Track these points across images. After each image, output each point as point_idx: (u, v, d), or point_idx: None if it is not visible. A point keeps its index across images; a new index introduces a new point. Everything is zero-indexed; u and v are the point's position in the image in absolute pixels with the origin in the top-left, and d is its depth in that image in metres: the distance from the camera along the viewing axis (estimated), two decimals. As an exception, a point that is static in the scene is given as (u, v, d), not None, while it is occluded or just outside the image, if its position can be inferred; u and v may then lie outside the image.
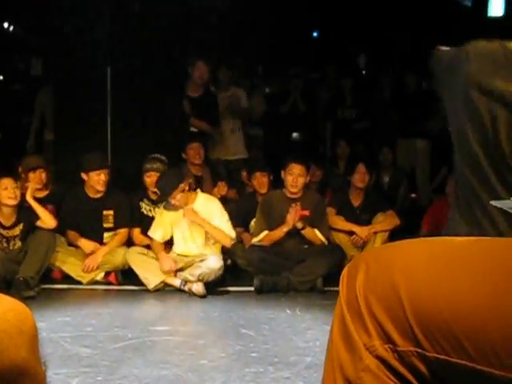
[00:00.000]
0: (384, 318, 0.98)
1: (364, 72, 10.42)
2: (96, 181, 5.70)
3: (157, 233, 5.60)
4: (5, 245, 5.39)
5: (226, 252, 5.61)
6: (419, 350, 0.95)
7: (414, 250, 1.05)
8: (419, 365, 0.95)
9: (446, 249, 1.03)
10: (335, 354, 1.03)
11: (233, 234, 5.56)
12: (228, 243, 5.53)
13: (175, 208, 5.49)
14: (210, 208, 5.55)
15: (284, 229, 5.61)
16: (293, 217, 5.57)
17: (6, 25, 9.10)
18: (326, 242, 5.76)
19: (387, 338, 0.97)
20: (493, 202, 1.40)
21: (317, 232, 5.69)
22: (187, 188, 5.48)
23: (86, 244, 5.69)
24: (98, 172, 5.69)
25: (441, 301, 0.94)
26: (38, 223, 5.41)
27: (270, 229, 5.70)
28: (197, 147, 6.66)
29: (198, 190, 5.71)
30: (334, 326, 1.05)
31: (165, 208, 5.55)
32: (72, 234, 5.76)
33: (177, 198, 5.41)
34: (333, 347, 1.04)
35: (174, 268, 5.40)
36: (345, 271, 1.07)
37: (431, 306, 0.94)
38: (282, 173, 5.83)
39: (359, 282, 1.02)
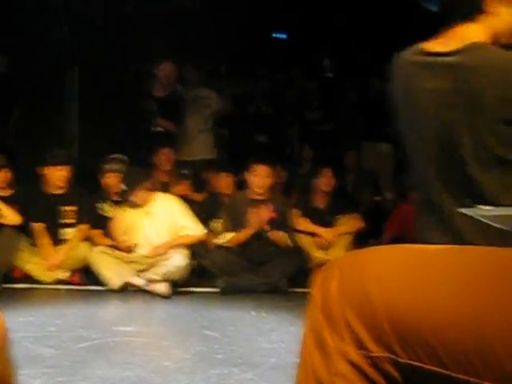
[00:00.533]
0: (357, 324, 0.99)
1: (330, 75, 10.48)
2: (56, 176, 5.70)
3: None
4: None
5: (190, 252, 5.60)
6: (392, 356, 0.96)
7: (388, 257, 1.07)
8: (392, 371, 0.97)
9: (419, 257, 1.04)
10: (308, 358, 1.04)
11: (201, 228, 5.60)
12: (202, 238, 5.61)
13: (136, 205, 5.49)
14: (170, 207, 5.56)
15: (249, 231, 5.62)
16: (261, 218, 5.59)
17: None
18: (292, 244, 5.79)
19: (360, 344, 0.99)
20: (462, 210, 1.43)
21: (282, 234, 5.72)
22: (145, 192, 5.49)
23: (46, 249, 5.63)
24: (59, 168, 5.69)
25: (416, 309, 0.95)
26: (1, 220, 5.35)
27: (235, 230, 5.71)
28: (167, 153, 6.58)
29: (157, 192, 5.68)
30: (307, 331, 1.07)
31: (127, 205, 5.55)
32: (40, 232, 5.68)
33: (138, 195, 5.40)
34: (306, 352, 1.05)
35: (130, 246, 5.45)
36: (318, 277, 1.09)
37: (405, 314, 0.95)
38: (246, 174, 5.83)
39: (333, 288, 1.04)
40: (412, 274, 0.99)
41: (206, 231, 5.66)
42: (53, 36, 6.83)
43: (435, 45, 2.00)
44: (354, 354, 0.99)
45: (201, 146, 7.40)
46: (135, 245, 5.50)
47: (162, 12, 7.91)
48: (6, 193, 5.84)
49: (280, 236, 5.72)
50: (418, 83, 1.98)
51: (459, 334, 0.90)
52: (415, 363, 0.94)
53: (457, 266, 0.99)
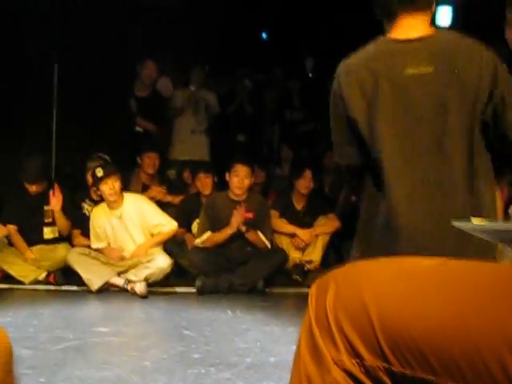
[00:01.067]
0: (353, 334, 1.02)
1: (311, 75, 10.49)
2: (33, 189, 5.73)
3: (95, 244, 5.63)
4: None
5: (168, 252, 5.64)
6: (386, 365, 0.99)
7: (383, 269, 1.10)
8: (385, 379, 1.00)
9: (414, 269, 1.08)
10: (302, 366, 1.07)
11: (174, 223, 5.63)
12: (176, 232, 5.67)
13: (107, 203, 5.54)
14: (139, 207, 5.58)
15: (228, 231, 5.66)
16: (237, 219, 5.62)
17: None
18: (269, 245, 5.82)
19: (355, 353, 1.01)
20: (454, 223, 1.48)
21: (260, 235, 5.76)
22: (118, 185, 5.49)
23: (27, 252, 5.63)
24: (35, 184, 5.71)
25: (408, 319, 0.98)
26: None
27: (213, 230, 5.73)
28: (154, 157, 6.58)
29: (124, 192, 5.69)
30: (301, 340, 1.09)
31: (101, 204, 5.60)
32: (15, 235, 5.69)
33: (102, 188, 5.43)
34: (300, 360, 1.08)
35: (121, 256, 5.43)
36: (313, 288, 1.11)
37: (399, 324, 0.98)
38: (227, 174, 5.86)
39: (329, 299, 1.05)
40: (406, 286, 1.02)
41: (176, 224, 5.66)
42: (32, 34, 6.79)
43: (401, 34, 2.26)
44: (349, 363, 1.01)
45: (192, 147, 7.34)
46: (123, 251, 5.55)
47: (144, 10, 7.90)
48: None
49: (258, 237, 5.76)
50: (401, 70, 2.21)
51: (449, 341, 0.93)
52: (408, 372, 0.97)
53: (448, 277, 1.02)
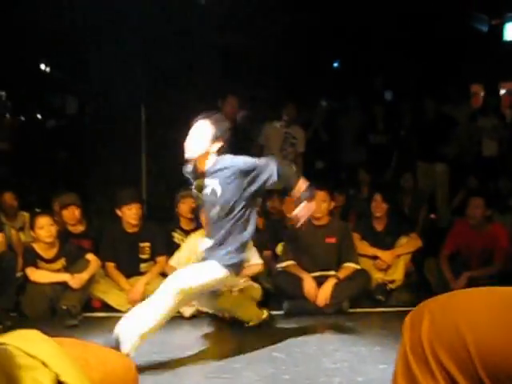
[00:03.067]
0: (450, 363, 1.04)
1: (387, 98, 10.56)
2: (128, 215, 5.89)
3: (173, 261, 5.81)
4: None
5: (253, 278, 5.75)
6: None
7: (479, 298, 1.11)
8: None
9: (508, 299, 1.08)
10: None
11: (260, 261, 5.71)
12: (259, 270, 5.73)
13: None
14: None
15: (304, 278, 5.64)
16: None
17: (43, 66, 9.52)
18: (359, 266, 5.84)
19: (452, 383, 1.04)
20: None
21: (350, 265, 5.79)
22: None
23: (126, 285, 5.85)
24: (129, 206, 5.88)
25: (507, 349, 0.99)
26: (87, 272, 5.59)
27: (296, 255, 5.83)
28: None
29: None
30: (397, 370, 1.12)
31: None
32: (113, 272, 5.92)
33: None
34: None
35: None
36: (408, 318, 1.15)
37: (497, 353, 1.00)
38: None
39: (424, 329, 1.08)
40: (503, 316, 1.02)
41: (262, 263, 5.74)
42: (120, 77, 7.11)
43: None
44: None
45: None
46: None
47: (223, 47, 8.16)
48: (77, 229, 6.17)
49: (349, 268, 5.77)
50: None
51: None
52: None
53: None
